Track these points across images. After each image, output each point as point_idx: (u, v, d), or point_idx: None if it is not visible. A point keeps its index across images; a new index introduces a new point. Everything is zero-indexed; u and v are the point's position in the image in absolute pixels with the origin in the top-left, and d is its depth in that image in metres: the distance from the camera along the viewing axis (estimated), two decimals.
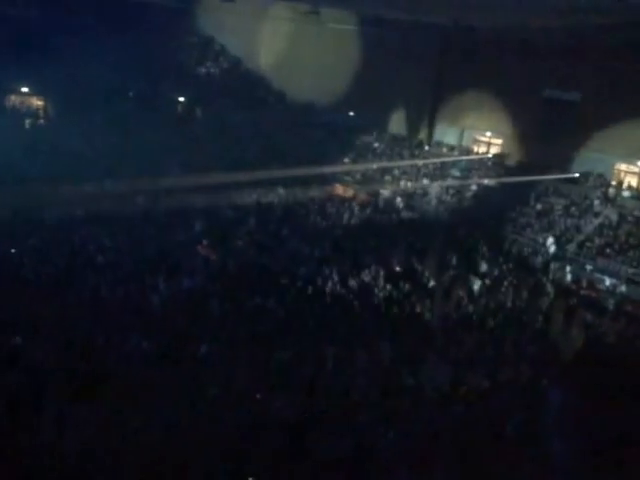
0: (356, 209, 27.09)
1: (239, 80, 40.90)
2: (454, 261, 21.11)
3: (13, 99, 32.24)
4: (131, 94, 34.16)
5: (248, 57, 42.35)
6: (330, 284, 17.55)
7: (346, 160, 34.15)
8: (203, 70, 41.54)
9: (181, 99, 36.33)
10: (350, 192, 29.99)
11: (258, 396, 11.34)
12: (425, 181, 31.30)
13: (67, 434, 9.64)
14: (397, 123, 36.57)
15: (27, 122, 31.18)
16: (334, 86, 36.45)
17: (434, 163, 32.50)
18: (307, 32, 38.69)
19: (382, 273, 18.97)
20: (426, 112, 35.23)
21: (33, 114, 32.00)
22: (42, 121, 31.80)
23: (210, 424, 10.25)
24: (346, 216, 25.75)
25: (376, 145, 35.80)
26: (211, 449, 9.60)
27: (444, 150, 34.00)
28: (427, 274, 19.39)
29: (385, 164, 32.95)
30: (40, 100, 32.50)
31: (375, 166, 32.74)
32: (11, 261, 17.21)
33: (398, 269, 19.77)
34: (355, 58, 36.66)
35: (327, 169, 31.44)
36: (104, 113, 30.25)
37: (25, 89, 31.77)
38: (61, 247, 18.76)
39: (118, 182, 23.77)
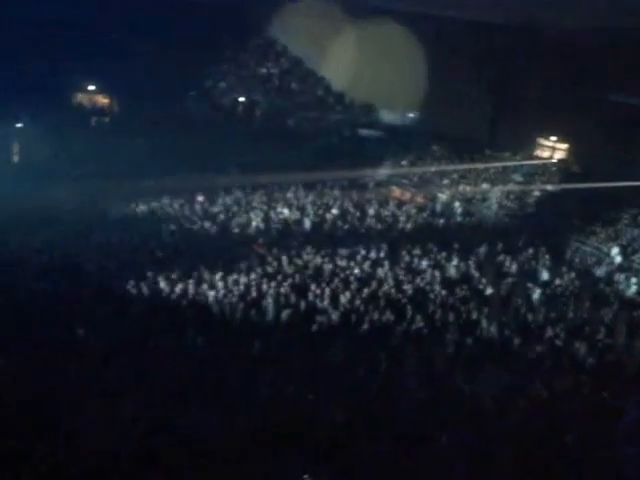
0: (413, 212, 26.79)
1: (299, 80, 41.15)
2: (513, 268, 20.61)
3: (80, 97, 33.37)
4: (194, 93, 34.81)
5: (309, 57, 42.50)
6: (384, 287, 17.44)
7: (404, 162, 33.84)
8: (264, 70, 41.98)
9: (242, 99, 36.85)
10: (407, 195, 29.70)
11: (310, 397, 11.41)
12: (485, 185, 30.67)
13: None
14: (458, 125, 35.98)
15: (94, 120, 32.27)
16: (395, 87, 36.17)
17: (495, 167, 31.80)
18: (368, 31, 38.47)
19: (438, 278, 18.72)
20: (488, 114, 34.54)
21: (99, 112, 33.02)
22: (107, 119, 32.79)
23: None
24: (402, 219, 25.49)
25: (435, 148, 35.33)
26: None
27: (507, 154, 33.22)
28: (484, 281, 18.98)
29: (444, 167, 32.46)
30: (106, 98, 33.55)
31: (434, 169, 32.31)
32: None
33: (455, 274, 19.47)
34: (417, 59, 36.25)
35: (384, 171, 31.21)
36: (168, 111, 30.95)
37: (92, 87, 32.88)
38: (123, 243, 19.45)
39: (179, 179, 24.33)
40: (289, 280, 17.27)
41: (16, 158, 27.35)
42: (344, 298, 16.34)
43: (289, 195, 26.20)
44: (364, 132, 35.27)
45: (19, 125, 27.50)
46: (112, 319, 13.85)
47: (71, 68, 30.30)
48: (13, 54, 28.40)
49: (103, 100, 33.34)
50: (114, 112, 33.10)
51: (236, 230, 21.98)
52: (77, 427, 9.96)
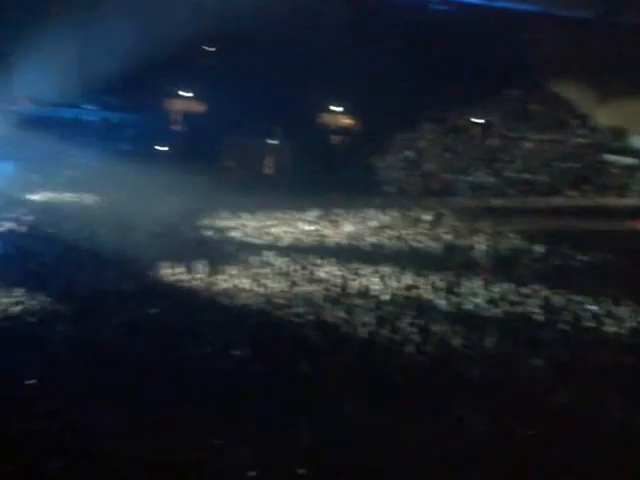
0: None
1: (539, 101, 39.30)
2: None
3: (327, 117, 35.84)
4: (433, 114, 35.14)
5: (550, 78, 40.36)
6: None
7: None
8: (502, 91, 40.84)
9: (480, 121, 36.30)
10: None
11: None
12: None
13: None
14: None
15: (338, 138, 34.44)
16: None
17: None
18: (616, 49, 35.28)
19: None
20: None
21: (343, 131, 35.13)
22: (352, 138, 34.64)
23: None
24: None
25: None
26: None
27: None
28: None
29: None
30: (351, 119, 35.55)
31: None
32: None
33: None
34: None
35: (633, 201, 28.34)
36: (407, 132, 31.80)
37: (339, 109, 35.23)
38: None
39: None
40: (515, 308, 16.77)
41: (269, 171, 30.60)
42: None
43: (522, 219, 25.22)
44: (611, 158, 32.41)
45: (273, 142, 30.73)
46: None
47: (319, 90, 32.85)
48: (273, 78, 31.64)
49: (348, 121, 35.52)
50: (359, 132, 34.97)
51: (462, 253, 21.93)
52: None
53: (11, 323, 15.15)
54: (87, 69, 30.13)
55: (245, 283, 18.43)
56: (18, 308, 15.92)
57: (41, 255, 19.88)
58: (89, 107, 31.37)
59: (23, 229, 22.46)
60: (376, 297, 17.81)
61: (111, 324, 15.22)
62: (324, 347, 14.76)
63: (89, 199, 25.62)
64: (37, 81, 27.31)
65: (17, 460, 8.44)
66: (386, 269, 19.61)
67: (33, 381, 12.06)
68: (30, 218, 23.28)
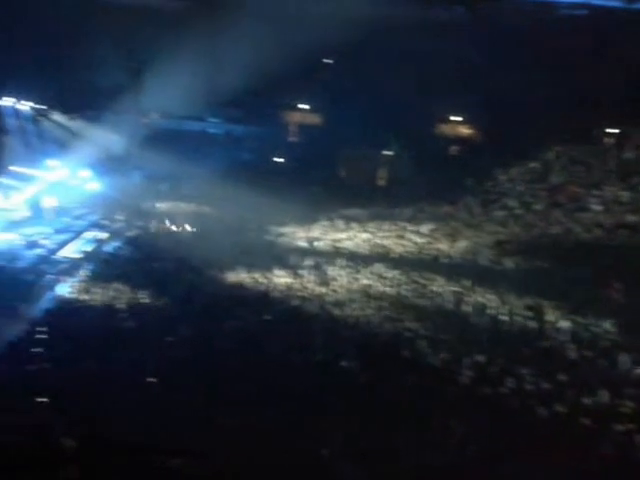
0: None
1: None
2: None
3: (444, 127, 35.03)
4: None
5: None
6: None
7: None
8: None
9: (615, 131, 33.56)
10: None
11: None
12: None
13: None
14: None
15: (454, 148, 33.53)
16: None
17: None
18: None
19: None
20: None
21: (461, 141, 34.10)
22: (469, 148, 33.63)
23: None
24: None
25: None
26: None
27: None
28: None
29: None
30: (470, 128, 34.61)
31: None
32: None
33: None
34: None
35: None
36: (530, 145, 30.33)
37: (457, 118, 34.53)
38: None
39: None
40: None
41: (384, 182, 30.29)
42: None
43: None
44: None
45: (389, 153, 30.39)
46: None
47: (437, 100, 32.09)
48: (390, 89, 31.20)
49: (468, 131, 34.45)
50: (479, 142, 33.82)
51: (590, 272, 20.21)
52: None
53: (137, 323, 15.95)
54: (213, 84, 31.53)
55: (355, 295, 18.19)
56: (142, 308, 16.79)
57: (163, 260, 20.92)
58: (214, 120, 32.80)
59: (149, 235, 23.83)
60: (492, 316, 16.84)
61: (228, 328, 15.58)
62: (435, 364, 14.13)
63: (208, 209, 26.63)
64: (166, 95, 28.92)
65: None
66: (504, 286, 18.51)
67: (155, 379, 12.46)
68: (155, 225, 24.69)
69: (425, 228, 24.36)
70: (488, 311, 17.14)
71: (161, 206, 26.64)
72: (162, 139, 30.39)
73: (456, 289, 18.48)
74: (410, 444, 10.53)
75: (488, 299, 17.81)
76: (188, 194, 28.22)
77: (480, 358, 14.22)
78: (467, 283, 18.81)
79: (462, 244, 22.89)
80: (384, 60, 29.54)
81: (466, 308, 17.39)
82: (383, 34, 27.67)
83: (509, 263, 21.03)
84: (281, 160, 31.25)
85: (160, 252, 21.67)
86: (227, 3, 26.18)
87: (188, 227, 24.39)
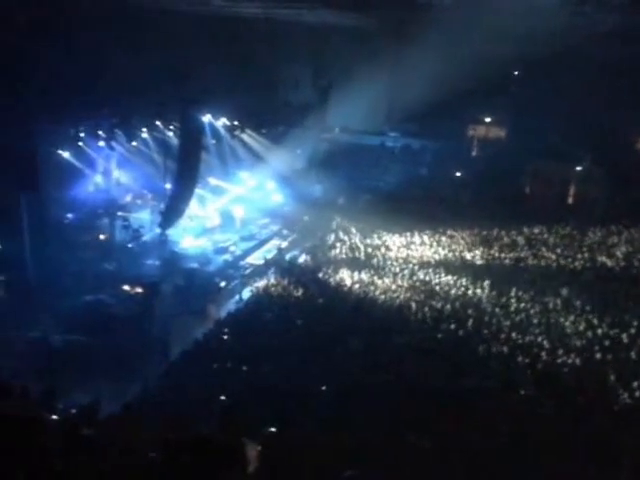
0: None
1: None
2: None
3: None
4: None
5: None
6: None
7: None
8: None
9: None
10: None
11: None
12: None
13: None
14: None
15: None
16: None
17: None
18: None
19: None
20: None
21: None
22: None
23: None
24: None
25: None
26: None
27: None
28: None
29: None
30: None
31: None
32: None
33: None
34: None
35: None
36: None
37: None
38: None
39: None
40: None
41: (575, 200, 27.96)
42: None
43: None
44: None
45: (580, 168, 27.97)
46: None
47: (633, 114, 29.23)
48: (581, 102, 28.73)
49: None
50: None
51: None
52: None
53: (310, 330, 16.20)
54: (394, 98, 31.70)
55: None
56: (317, 316, 17.11)
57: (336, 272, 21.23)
58: (393, 134, 32.90)
59: (325, 246, 24.35)
60: None
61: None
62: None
63: (382, 223, 25.84)
64: (349, 111, 29.57)
65: None
66: None
67: None
68: (330, 236, 25.08)
69: (619, 251, 21.90)
70: None
71: (337, 219, 27.02)
72: (342, 153, 31.10)
73: None
74: None
75: None
76: (362, 208, 28.34)
77: None
78: None
79: None
80: (575, 71, 27.39)
81: None
82: (575, 44, 25.68)
83: None
84: (460, 174, 30.33)
85: (334, 263, 21.95)
86: (412, 19, 26.05)
87: (359, 240, 24.23)
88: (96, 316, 17.99)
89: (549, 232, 23.90)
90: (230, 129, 27.38)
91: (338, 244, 23.96)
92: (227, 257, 25.04)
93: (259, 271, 23.20)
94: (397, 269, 21.06)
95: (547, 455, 9.70)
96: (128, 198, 28.58)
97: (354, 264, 21.65)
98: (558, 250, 22.33)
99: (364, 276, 20.48)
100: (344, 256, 22.75)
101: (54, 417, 7.63)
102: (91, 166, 26.44)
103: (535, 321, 16.69)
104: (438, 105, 28.18)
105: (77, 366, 14.60)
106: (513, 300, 18.01)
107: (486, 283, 19.23)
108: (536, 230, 24.06)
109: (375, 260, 22.02)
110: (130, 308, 19.06)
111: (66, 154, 24.46)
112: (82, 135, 24.03)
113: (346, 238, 24.48)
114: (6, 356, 14.47)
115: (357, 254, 22.86)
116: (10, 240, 20.25)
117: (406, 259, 21.99)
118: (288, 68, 28.28)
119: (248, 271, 23.44)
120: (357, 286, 19.74)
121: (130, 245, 24.60)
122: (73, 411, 8.52)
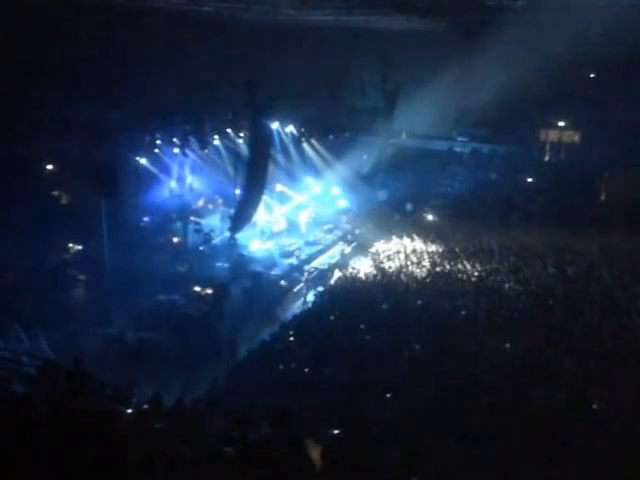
0: None
1: None
2: None
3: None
4: None
5: None
6: None
7: None
8: None
9: None
10: None
11: None
12: None
13: None
14: None
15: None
16: None
17: None
18: None
19: None
20: None
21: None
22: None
23: None
24: None
25: None
26: None
27: None
28: None
29: None
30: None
31: None
32: None
33: None
34: None
35: None
36: None
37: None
38: None
39: None
40: None
41: None
42: None
43: None
44: None
45: None
46: None
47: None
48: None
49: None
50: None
51: None
52: None
53: (373, 335, 16.23)
54: (462, 103, 31.26)
55: None
56: (379, 321, 17.12)
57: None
58: (461, 139, 32.43)
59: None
60: None
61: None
62: None
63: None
64: (416, 116, 29.40)
65: None
66: None
67: None
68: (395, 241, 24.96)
69: None
70: None
71: (401, 224, 26.88)
72: (409, 158, 30.91)
73: None
74: None
75: None
76: (432, 213, 28.15)
77: None
78: None
79: None
80: None
81: None
82: None
83: None
84: (532, 180, 29.51)
85: (397, 269, 21.85)
86: (482, 22, 25.66)
87: (427, 246, 24.03)
88: (168, 315, 18.91)
89: (625, 240, 22.83)
90: (297, 136, 27.80)
91: (401, 249, 23.86)
92: (292, 261, 25.47)
93: (323, 275, 23.45)
94: (464, 276, 20.74)
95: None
96: (200, 203, 29.59)
97: (418, 270, 21.49)
98: (634, 259, 21.29)
99: (427, 281, 20.31)
100: (407, 262, 22.61)
101: (129, 411, 8.09)
102: (166, 172, 27.58)
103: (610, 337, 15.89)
104: (509, 109, 27.64)
105: (150, 362, 15.30)
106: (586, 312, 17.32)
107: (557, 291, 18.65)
108: (612, 239, 23.05)
109: (440, 268, 21.73)
110: (200, 308, 19.85)
111: (143, 160, 25.62)
112: (158, 142, 25.12)
113: (409, 243, 24.37)
114: (84, 351, 15.29)
115: (421, 260, 22.65)
116: (90, 242, 21.46)
117: (473, 265, 21.60)
118: (355, 74, 28.41)
119: (313, 275, 23.74)
120: (420, 292, 19.57)
121: (201, 248, 25.53)
122: (146, 406, 8.96)
